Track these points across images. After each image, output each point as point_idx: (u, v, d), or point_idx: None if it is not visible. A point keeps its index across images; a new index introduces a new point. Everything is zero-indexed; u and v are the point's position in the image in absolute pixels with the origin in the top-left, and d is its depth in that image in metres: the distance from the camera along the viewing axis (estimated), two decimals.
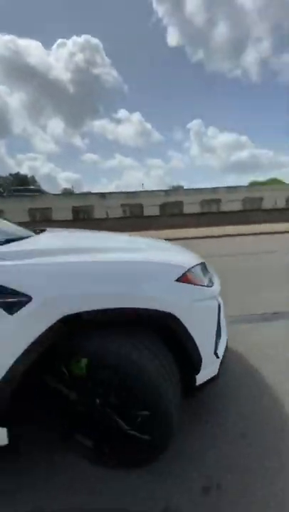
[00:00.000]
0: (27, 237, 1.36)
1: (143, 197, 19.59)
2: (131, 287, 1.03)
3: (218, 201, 20.05)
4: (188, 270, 1.15)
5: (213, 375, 1.20)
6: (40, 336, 0.92)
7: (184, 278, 1.11)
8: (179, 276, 1.10)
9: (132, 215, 18.66)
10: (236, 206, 19.79)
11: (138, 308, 1.00)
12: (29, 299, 0.91)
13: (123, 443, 1.02)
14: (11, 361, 0.92)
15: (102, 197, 19.03)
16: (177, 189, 24.62)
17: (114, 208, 18.48)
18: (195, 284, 1.14)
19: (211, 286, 1.21)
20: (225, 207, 19.65)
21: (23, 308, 0.91)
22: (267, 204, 20.17)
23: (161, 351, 1.06)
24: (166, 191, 20.99)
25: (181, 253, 1.48)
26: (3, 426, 0.97)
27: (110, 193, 19.82)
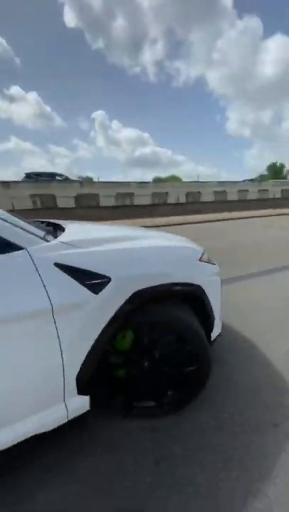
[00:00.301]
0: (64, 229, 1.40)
1: (56, 187, 18.36)
2: (177, 267, 1.32)
3: (131, 195, 21.08)
4: (203, 252, 1.53)
5: (219, 332, 1.61)
6: (118, 309, 1.10)
7: (202, 258, 1.48)
8: (200, 256, 1.46)
9: (44, 206, 17.24)
10: (146, 200, 21.36)
11: (182, 283, 1.30)
12: (109, 279, 1.08)
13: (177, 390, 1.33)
14: (96, 334, 1.06)
15: (5, 186, 16.64)
16: (92, 181, 24.22)
17: (22, 199, 16.55)
18: (207, 263, 1.52)
19: (215, 265, 1.61)
20: (137, 200, 20.89)
21: (105, 288, 1.06)
22: (171, 199, 22.69)
23: (192, 314, 1.40)
24: (80, 182, 20.35)
25: (179, 239, 1.82)
26: (87, 394, 1.10)
27: (16, 182, 17.55)
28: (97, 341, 1.06)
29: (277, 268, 3.78)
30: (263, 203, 21.83)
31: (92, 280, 1.04)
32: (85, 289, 1.03)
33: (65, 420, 1.06)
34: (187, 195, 23.45)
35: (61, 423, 1.05)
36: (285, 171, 68.35)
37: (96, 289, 1.05)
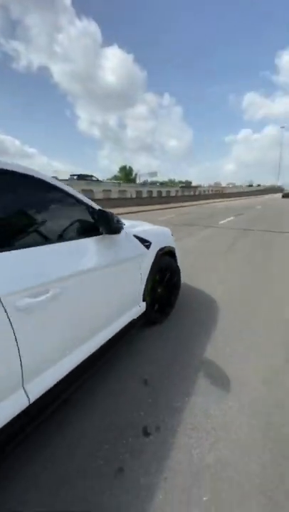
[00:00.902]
0: None
1: None
2: (166, 238, 2.58)
3: None
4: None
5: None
6: (154, 258, 2.25)
7: (171, 233, 2.81)
8: (171, 233, 2.79)
9: None
10: None
11: (169, 246, 2.58)
12: (150, 243, 2.20)
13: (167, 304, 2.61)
14: (148, 269, 2.17)
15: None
16: None
17: None
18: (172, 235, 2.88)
19: (173, 236, 2.96)
20: None
21: (150, 248, 2.19)
22: None
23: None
24: None
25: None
26: (144, 301, 2.17)
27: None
28: (149, 273, 2.17)
29: None
30: (123, 201, 25.38)
31: (146, 243, 2.14)
32: (144, 247, 2.11)
33: (140, 313, 2.10)
34: None
35: (139, 314, 2.08)
36: (134, 174, 79.41)
37: (147, 247, 2.15)
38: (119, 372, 1.88)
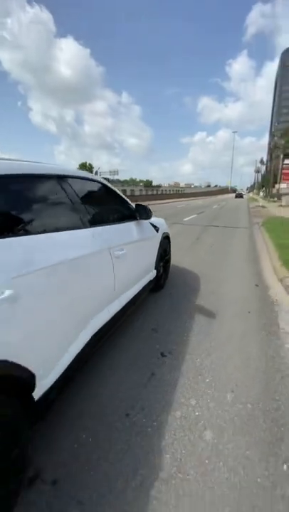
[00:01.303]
0: None
1: None
2: (164, 226, 3.52)
3: None
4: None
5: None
6: (160, 239, 3.19)
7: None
8: (164, 221, 3.75)
9: None
10: None
11: (166, 232, 3.55)
12: (158, 228, 3.14)
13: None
14: (158, 247, 3.11)
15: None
16: None
17: None
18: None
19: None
20: None
21: (158, 231, 3.13)
22: None
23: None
24: None
25: None
26: (155, 268, 3.09)
27: None
28: (158, 250, 3.10)
29: None
30: None
31: (156, 228, 3.06)
32: (155, 231, 3.03)
33: (153, 277, 3.00)
34: None
35: (152, 278, 2.99)
36: (94, 171, 78.57)
37: (157, 231, 3.08)
38: (136, 326, 2.58)
